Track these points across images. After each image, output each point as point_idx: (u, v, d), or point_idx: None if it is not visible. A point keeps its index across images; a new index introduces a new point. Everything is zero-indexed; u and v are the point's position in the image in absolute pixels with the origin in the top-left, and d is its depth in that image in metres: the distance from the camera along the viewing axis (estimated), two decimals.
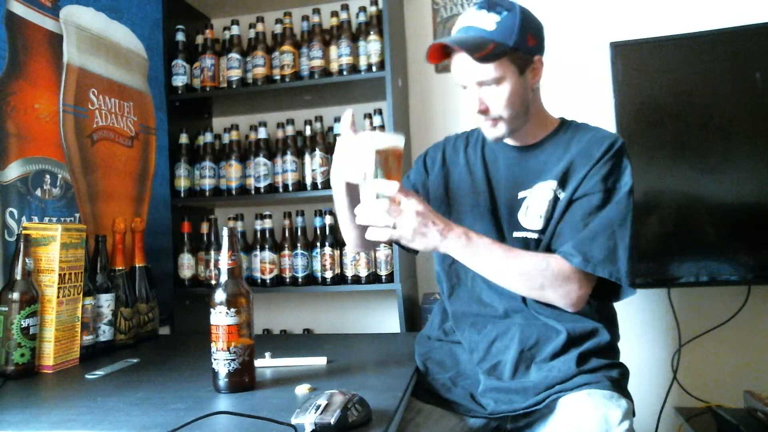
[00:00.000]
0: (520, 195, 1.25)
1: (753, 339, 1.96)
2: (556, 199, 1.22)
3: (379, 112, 2.05)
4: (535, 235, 1.22)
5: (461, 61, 1.19)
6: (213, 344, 1.06)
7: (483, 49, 1.14)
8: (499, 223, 1.27)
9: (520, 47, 1.17)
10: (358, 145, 1.10)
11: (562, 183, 1.22)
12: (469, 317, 1.28)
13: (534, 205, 1.23)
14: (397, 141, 1.12)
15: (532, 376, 1.18)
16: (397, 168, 1.11)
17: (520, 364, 1.19)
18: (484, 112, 1.22)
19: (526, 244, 1.22)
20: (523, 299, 1.22)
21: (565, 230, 1.19)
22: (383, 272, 2.01)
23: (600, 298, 1.22)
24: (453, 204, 1.35)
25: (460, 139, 1.43)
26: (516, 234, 1.24)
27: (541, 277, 1.15)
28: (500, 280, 1.18)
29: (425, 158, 1.45)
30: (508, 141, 1.29)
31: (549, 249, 1.21)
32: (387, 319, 2.18)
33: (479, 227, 1.28)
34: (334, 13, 2.17)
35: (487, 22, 1.17)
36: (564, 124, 1.31)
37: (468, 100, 1.24)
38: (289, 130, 2.15)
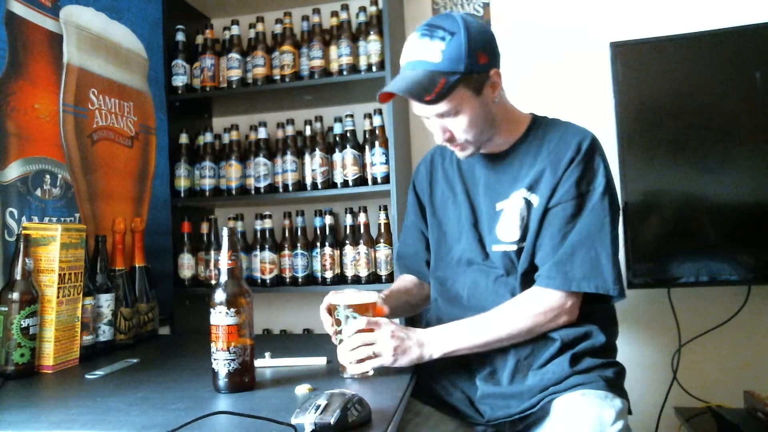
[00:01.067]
0: (498, 206, 1.24)
1: (753, 339, 1.96)
2: (529, 204, 1.20)
3: (379, 112, 2.05)
4: (514, 247, 1.21)
5: (415, 105, 1.18)
6: (213, 344, 1.05)
7: (432, 90, 1.11)
8: (482, 237, 1.27)
9: (472, 69, 1.13)
10: (325, 307, 1.21)
11: (532, 188, 1.20)
12: None
13: (509, 216, 1.22)
14: (368, 298, 1.18)
15: (528, 380, 1.18)
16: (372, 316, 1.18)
17: (517, 373, 1.20)
18: (450, 140, 1.21)
19: (507, 257, 1.21)
20: None
21: (544, 244, 1.18)
22: (383, 272, 2.01)
23: (593, 301, 1.21)
24: (441, 222, 1.36)
25: (436, 154, 1.43)
26: (495, 248, 1.23)
27: (528, 325, 1.16)
28: (493, 347, 1.18)
29: (415, 190, 1.45)
30: (481, 150, 1.27)
31: (533, 258, 1.20)
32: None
33: (464, 242, 1.28)
34: (334, 13, 2.17)
35: (432, 52, 1.12)
36: (535, 123, 1.28)
37: (431, 129, 1.23)
38: (289, 130, 2.15)
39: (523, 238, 1.20)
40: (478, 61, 1.14)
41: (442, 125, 1.19)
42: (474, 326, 1.17)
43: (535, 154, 1.23)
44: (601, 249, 1.15)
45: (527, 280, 1.20)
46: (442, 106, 1.15)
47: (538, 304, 1.16)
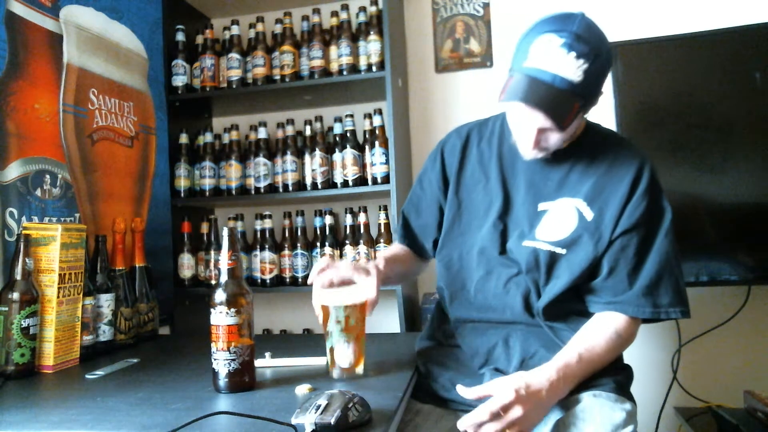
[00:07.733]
0: (541, 207, 1.22)
1: (753, 339, 1.96)
2: (581, 216, 1.19)
3: (379, 112, 2.05)
4: (549, 247, 1.18)
5: (527, 109, 1.10)
6: (213, 344, 1.06)
7: (567, 116, 1.07)
8: (506, 229, 1.24)
9: (598, 95, 1.13)
10: (317, 302, 1.16)
11: (591, 201, 1.19)
12: (470, 323, 1.28)
13: (556, 220, 1.20)
14: (359, 298, 1.15)
15: None
16: (361, 318, 1.15)
17: (522, 370, 1.19)
18: (539, 147, 1.17)
19: (535, 254, 1.19)
20: (526, 309, 1.20)
21: (619, 269, 1.16)
22: None
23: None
24: (462, 204, 1.32)
25: (473, 131, 1.37)
26: (526, 243, 1.20)
27: (615, 354, 1.17)
28: None
29: (443, 161, 1.37)
30: None
31: (568, 263, 1.18)
32: (387, 320, 2.18)
33: (485, 231, 1.26)
34: (334, 13, 2.17)
35: (574, 70, 1.06)
36: (589, 129, 1.26)
37: (520, 131, 1.19)
38: (289, 130, 2.15)
39: (563, 245, 1.18)
40: (602, 86, 1.13)
41: (538, 137, 1.14)
42: (585, 364, 1.11)
43: (588, 163, 1.21)
44: (679, 273, 1.16)
45: (560, 289, 1.17)
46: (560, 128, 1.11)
47: (623, 335, 1.15)
